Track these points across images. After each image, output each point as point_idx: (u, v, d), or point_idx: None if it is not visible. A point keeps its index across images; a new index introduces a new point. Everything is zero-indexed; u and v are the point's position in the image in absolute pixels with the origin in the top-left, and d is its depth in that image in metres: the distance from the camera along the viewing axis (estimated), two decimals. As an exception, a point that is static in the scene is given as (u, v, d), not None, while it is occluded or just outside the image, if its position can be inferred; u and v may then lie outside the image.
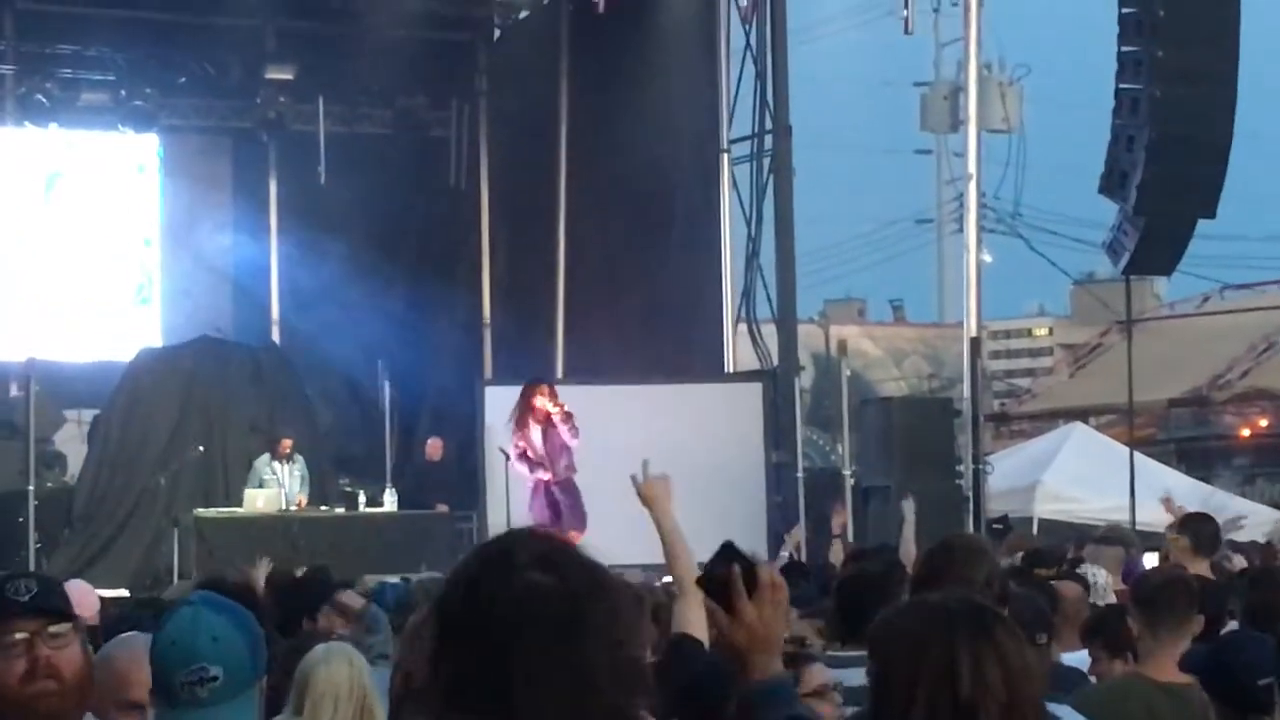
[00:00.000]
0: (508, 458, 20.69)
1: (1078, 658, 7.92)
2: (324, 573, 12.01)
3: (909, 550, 12.78)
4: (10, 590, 4.13)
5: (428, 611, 2.88)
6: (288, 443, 21.89)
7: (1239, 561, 13.36)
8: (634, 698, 2.72)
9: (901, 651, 3.65)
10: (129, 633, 4.91)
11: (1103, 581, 10.27)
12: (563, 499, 19.48)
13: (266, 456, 21.87)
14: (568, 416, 19.42)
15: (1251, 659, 5.86)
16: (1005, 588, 4.94)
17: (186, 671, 3.89)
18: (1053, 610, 7.35)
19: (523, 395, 19.70)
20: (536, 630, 2.68)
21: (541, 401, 19.46)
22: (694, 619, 5.92)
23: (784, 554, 19.04)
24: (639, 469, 6.41)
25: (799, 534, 20.33)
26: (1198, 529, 11.00)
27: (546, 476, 19.46)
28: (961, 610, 3.67)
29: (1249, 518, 21.72)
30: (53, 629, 4.11)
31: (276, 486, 21.58)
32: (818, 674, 5.79)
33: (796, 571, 13.32)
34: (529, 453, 19.53)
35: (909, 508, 14.03)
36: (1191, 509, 12.83)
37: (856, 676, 5.78)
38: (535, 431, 19.47)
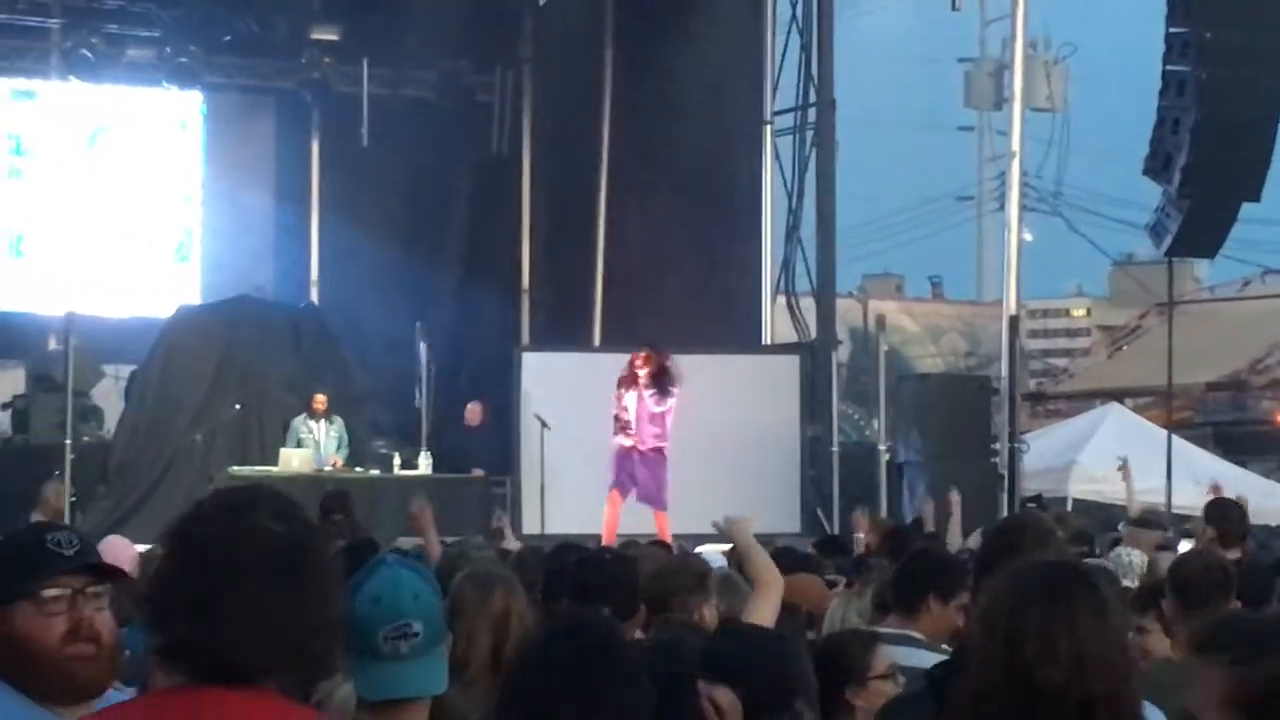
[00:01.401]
0: (543, 424, 20.64)
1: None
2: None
3: (955, 542, 12.79)
4: (53, 542, 3.89)
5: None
6: (321, 398, 21.84)
7: None
8: (334, 647, 2.96)
9: (981, 618, 3.66)
10: None
11: (1138, 563, 10.24)
12: (642, 472, 19.00)
13: (304, 415, 21.87)
14: (654, 380, 18.99)
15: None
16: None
17: (391, 627, 3.97)
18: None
19: (629, 359, 19.42)
20: (259, 571, 2.86)
21: (638, 367, 19.16)
22: (766, 615, 6.62)
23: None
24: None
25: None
26: (1226, 517, 10.90)
27: (629, 443, 19.04)
28: (1041, 576, 3.63)
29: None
30: (93, 589, 3.88)
31: (313, 445, 21.58)
32: (885, 655, 5.82)
33: (833, 546, 13.35)
34: (620, 415, 19.16)
35: (956, 502, 14.02)
36: (1231, 495, 12.78)
37: (898, 655, 5.90)
38: (629, 396, 19.11)
